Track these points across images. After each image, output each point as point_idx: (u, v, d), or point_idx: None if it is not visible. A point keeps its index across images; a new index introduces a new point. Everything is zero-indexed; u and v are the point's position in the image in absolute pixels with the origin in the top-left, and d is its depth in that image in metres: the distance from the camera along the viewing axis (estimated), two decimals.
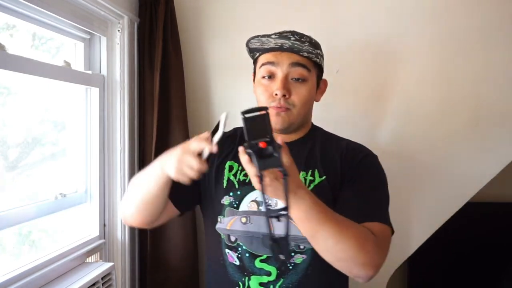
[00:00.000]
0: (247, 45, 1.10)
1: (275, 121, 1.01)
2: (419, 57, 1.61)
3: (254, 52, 1.11)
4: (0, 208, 1.12)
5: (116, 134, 1.57)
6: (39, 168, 1.36)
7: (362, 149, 1.07)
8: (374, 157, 1.07)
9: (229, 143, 1.11)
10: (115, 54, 1.56)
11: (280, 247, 0.79)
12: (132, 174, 1.63)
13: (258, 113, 0.79)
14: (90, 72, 1.47)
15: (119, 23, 1.57)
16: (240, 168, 1.07)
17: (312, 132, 1.12)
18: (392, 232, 0.98)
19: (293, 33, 1.04)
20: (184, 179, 0.87)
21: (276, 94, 1.00)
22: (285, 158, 0.78)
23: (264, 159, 0.76)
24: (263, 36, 1.02)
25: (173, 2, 1.64)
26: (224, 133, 0.90)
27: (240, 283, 1.02)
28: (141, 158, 1.66)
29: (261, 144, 0.77)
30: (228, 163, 1.09)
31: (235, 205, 1.05)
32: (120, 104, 1.57)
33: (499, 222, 2.37)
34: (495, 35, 1.56)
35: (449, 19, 1.58)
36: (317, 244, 0.87)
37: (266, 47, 1.05)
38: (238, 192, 1.05)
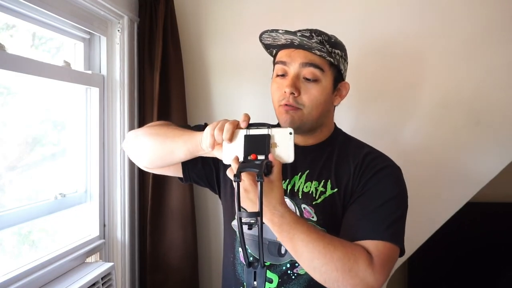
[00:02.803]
0: (260, 41, 1.05)
1: (284, 120, 0.98)
2: (420, 57, 1.61)
3: (270, 49, 1.09)
4: (0, 208, 1.12)
5: (116, 134, 1.57)
6: (39, 168, 1.36)
7: (380, 161, 0.99)
8: (392, 169, 0.98)
9: None
10: (115, 54, 1.56)
11: (255, 272, 0.83)
12: (132, 174, 1.63)
13: (260, 132, 0.84)
14: (90, 72, 1.47)
15: (119, 23, 1.57)
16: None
17: (332, 137, 1.07)
18: (402, 251, 0.92)
19: (311, 30, 1.00)
20: (207, 143, 0.87)
21: (285, 92, 0.97)
22: (275, 172, 0.81)
23: (247, 163, 0.80)
24: (272, 31, 0.98)
25: (173, 2, 1.64)
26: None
27: (245, 283, 1.01)
28: None
29: (252, 156, 0.82)
30: None
31: None
32: (120, 104, 1.57)
33: (499, 222, 2.37)
34: (497, 35, 1.56)
35: (450, 21, 1.58)
36: (304, 264, 0.86)
37: (278, 43, 1.02)
38: None
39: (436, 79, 1.61)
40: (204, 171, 1.11)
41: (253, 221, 0.78)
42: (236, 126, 0.85)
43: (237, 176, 0.77)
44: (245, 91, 1.71)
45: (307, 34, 0.97)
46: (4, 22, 1.20)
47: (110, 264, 1.38)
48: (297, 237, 0.83)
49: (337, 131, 1.10)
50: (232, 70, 1.73)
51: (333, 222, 0.94)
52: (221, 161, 1.02)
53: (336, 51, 1.01)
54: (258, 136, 0.83)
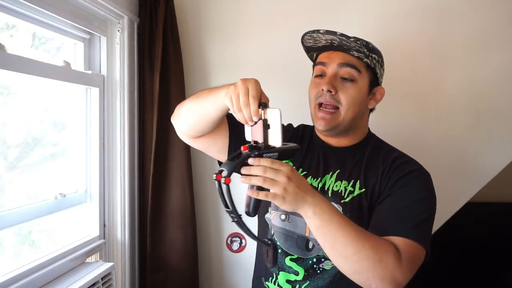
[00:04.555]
0: (302, 43, 1.10)
1: (319, 123, 1.03)
2: (419, 57, 1.61)
3: (311, 52, 1.13)
4: (0, 208, 1.12)
5: (116, 134, 1.57)
6: (39, 168, 1.36)
7: (408, 165, 1.01)
8: (420, 173, 1.00)
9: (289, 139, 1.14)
10: (115, 54, 1.56)
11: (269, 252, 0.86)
12: (132, 174, 1.63)
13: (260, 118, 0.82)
14: (90, 72, 1.47)
15: (119, 23, 1.56)
16: (293, 166, 1.08)
17: (365, 141, 1.10)
18: (427, 254, 0.93)
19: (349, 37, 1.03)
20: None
21: (322, 89, 1.01)
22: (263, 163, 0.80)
23: (226, 162, 0.80)
24: (313, 32, 1.02)
25: (173, 2, 1.64)
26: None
27: (274, 274, 1.06)
28: (141, 158, 1.66)
29: (243, 147, 0.81)
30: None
31: None
32: (120, 104, 1.57)
33: (499, 222, 2.37)
34: (496, 35, 1.56)
35: (449, 21, 1.59)
36: (335, 251, 0.85)
37: (319, 45, 1.06)
38: None
39: (437, 79, 1.61)
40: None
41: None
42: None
43: (215, 174, 0.78)
44: None
45: (344, 34, 1.00)
46: (4, 22, 1.20)
47: (110, 264, 1.38)
48: (336, 221, 0.84)
49: (370, 135, 1.13)
50: (232, 69, 1.73)
51: (360, 221, 0.95)
52: None
53: (373, 55, 1.04)
54: (258, 122, 0.82)
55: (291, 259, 1.03)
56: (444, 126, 1.61)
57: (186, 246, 1.64)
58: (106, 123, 1.54)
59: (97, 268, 1.34)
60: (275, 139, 0.80)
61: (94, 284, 1.27)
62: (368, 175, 1.02)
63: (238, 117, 0.85)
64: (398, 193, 0.96)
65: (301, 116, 1.20)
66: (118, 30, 1.57)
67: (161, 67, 1.60)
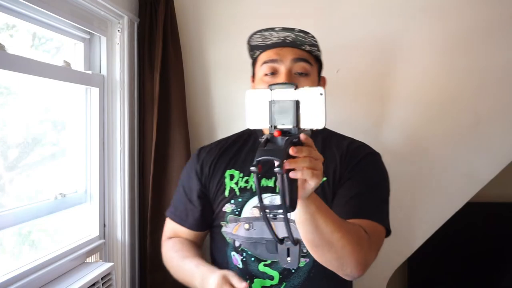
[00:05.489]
0: (248, 42, 1.08)
1: None
2: (419, 56, 1.61)
3: (254, 51, 1.11)
4: (0, 208, 1.12)
5: (116, 134, 1.57)
6: (39, 168, 1.36)
7: (363, 149, 1.06)
8: (375, 156, 1.06)
9: (226, 152, 1.13)
10: (115, 54, 1.56)
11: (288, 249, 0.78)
12: (132, 174, 1.63)
13: (286, 97, 0.72)
14: (90, 72, 1.47)
15: (119, 23, 1.57)
16: (241, 175, 1.08)
17: (316, 131, 1.09)
18: (389, 233, 0.96)
19: (287, 28, 1.01)
20: None
21: None
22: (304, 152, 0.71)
23: (267, 149, 0.68)
24: (266, 30, 1.01)
25: (173, 2, 1.64)
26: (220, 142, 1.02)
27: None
28: (141, 158, 1.66)
29: (276, 132, 0.70)
30: (228, 172, 1.10)
31: (237, 212, 1.06)
32: (120, 104, 1.57)
33: (499, 222, 2.37)
34: (496, 35, 1.56)
35: (449, 19, 1.58)
36: (322, 240, 0.82)
37: (268, 43, 1.04)
38: (239, 199, 1.06)
39: (436, 79, 1.61)
40: (202, 206, 1.13)
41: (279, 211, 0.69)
42: None
43: (255, 166, 0.67)
44: (245, 91, 1.71)
45: (302, 30, 1.00)
46: (4, 22, 1.20)
47: (110, 264, 1.38)
48: (324, 207, 0.82)
49: None
50: (232, 69, 1.72)
51: None
52: (202, 176, 1.10)
53: (319, 45, 1.05)
54: (285, 103, 0.72)
55: (264, 265, 1.03)
56: (444, 126, 1.61)
57: None
58: (106, 123, 1.54)
59: (97, 268, 1.33)
60: (317, 122, 0.70)
61: (94, 284, 1.27)
62: (326, 163, 0.97)
63: None
64: (357, 177, 0.99)
65: None
66: (118, 30, 1.57)
67: (161, 67, 1.60)
